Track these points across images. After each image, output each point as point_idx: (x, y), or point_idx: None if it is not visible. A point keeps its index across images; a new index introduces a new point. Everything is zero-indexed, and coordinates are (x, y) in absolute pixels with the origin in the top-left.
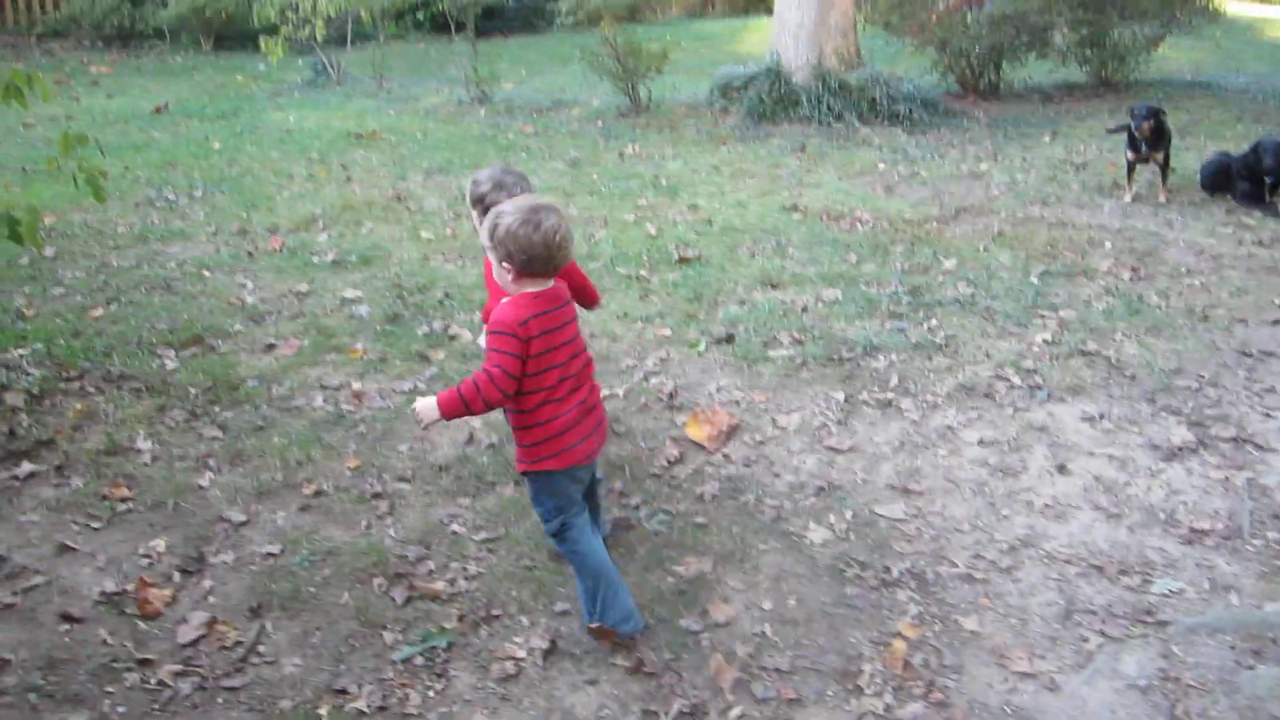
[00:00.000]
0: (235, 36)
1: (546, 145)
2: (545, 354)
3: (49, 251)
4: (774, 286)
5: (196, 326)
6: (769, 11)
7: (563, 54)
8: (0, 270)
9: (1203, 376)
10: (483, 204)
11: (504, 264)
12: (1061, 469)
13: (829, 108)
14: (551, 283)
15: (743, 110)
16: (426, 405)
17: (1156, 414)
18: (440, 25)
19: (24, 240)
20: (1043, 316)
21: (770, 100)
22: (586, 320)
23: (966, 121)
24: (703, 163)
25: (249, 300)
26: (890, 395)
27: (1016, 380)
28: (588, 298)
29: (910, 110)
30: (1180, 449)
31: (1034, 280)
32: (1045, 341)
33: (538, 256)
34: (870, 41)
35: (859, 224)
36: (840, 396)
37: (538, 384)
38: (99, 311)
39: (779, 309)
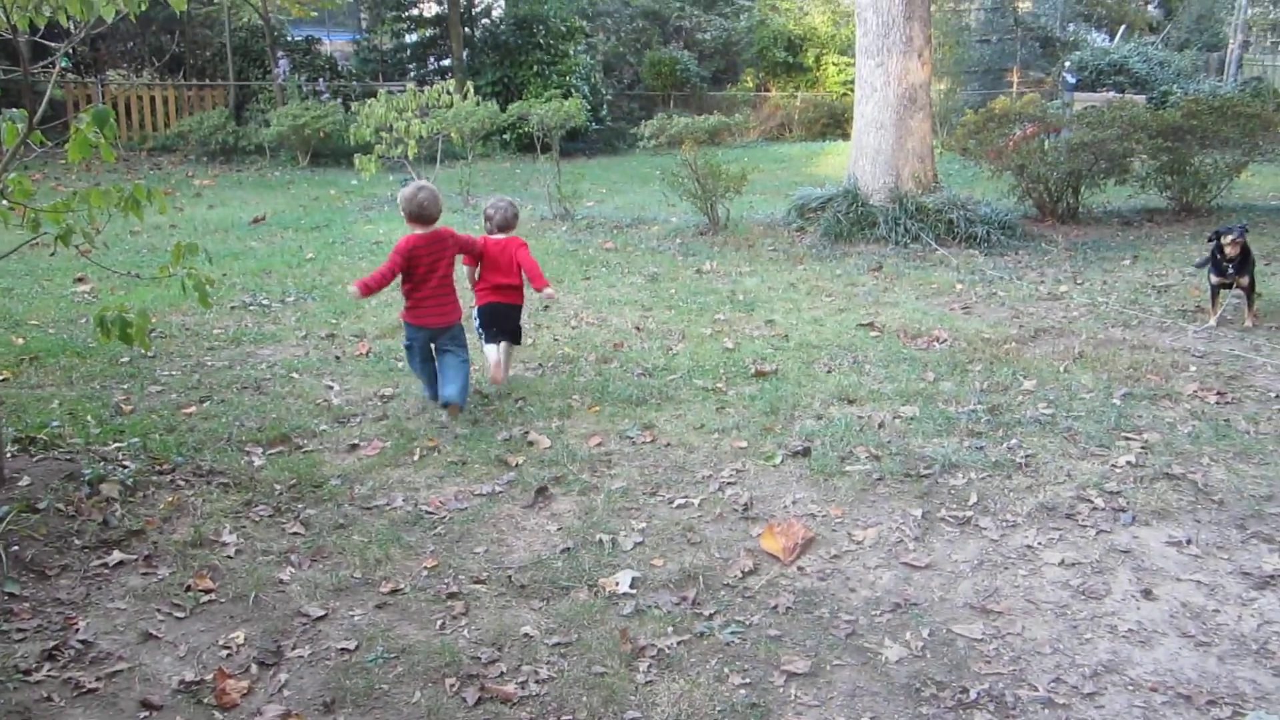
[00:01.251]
0: (331, 154)
1: (626, 260)
2: (417, 262)
3: (150, 351)
4: (850, 402)
5: (284, 426)
6: (845, 136)
7: (643, 174)
8: (103, 368)
9: None
10: (489, 220)
11: (403, 215)
12: (1147, 594)
13: (905, 229)
14: (431, 229)
15: (819, 230)
16: (353, 287)
17: (1247, 540)
18: (526, 146)
19: (134, 341)
20: (1126, 439)
21: (847, 221)
22: (665, 433)
23: (1045, 244)
24: (779, 280)
25: (335, 402)
26: (969, 513)
27: (1099, 502)
28: (535, 282)
29: (988, 232)
30: (1272, 577)
31: (1116, 402)
32: (1129, 463)
33: (412, 212)
34: (947, 166)
35: (936, 343)
36: (918, 513)
37: (410, 278)
38: (192, 409)
39: (855, 424)
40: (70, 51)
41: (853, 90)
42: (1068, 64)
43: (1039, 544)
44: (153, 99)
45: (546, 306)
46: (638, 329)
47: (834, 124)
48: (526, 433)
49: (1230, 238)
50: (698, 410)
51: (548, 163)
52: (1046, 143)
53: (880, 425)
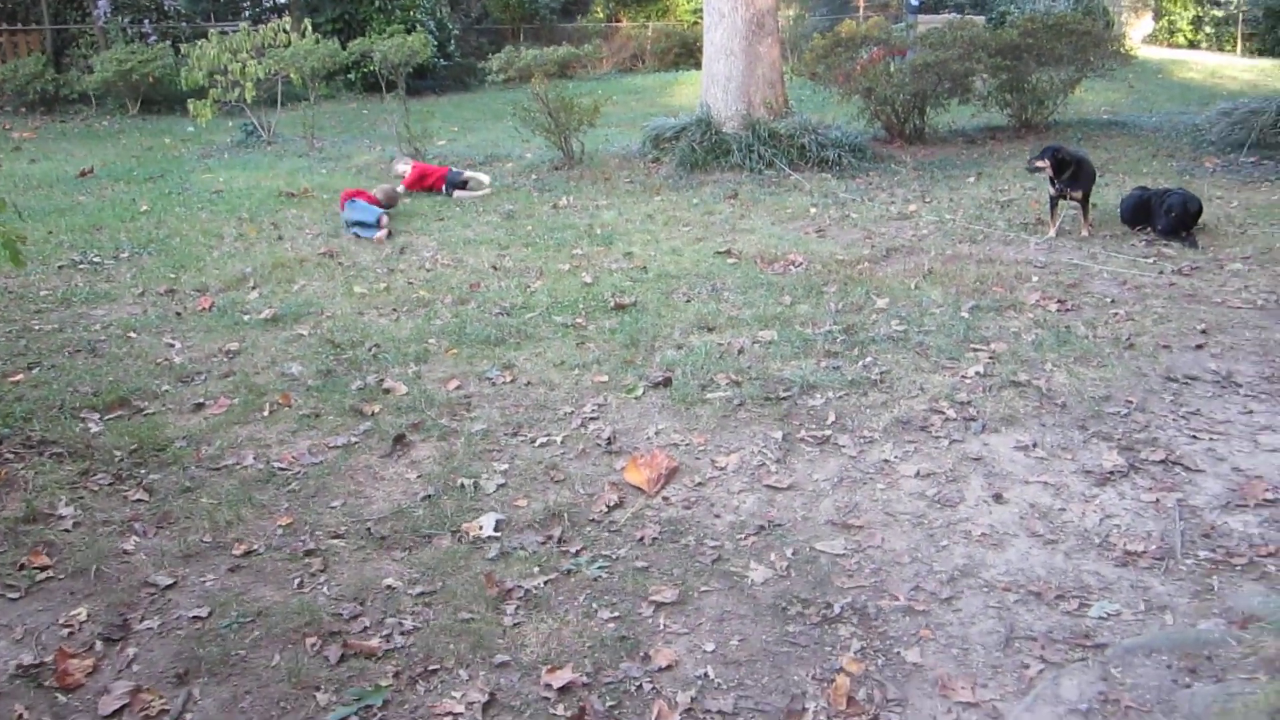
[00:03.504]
0: (163, 100)
1: (481, 199)
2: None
3: None
4: (710, 330)
5: (122, 389)
6: (698, 66)
7: (495, 110)
8: None
9: (1131, 402)
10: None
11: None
12: (998, 498)
13: (759, 156)
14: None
15: (674, 160)
16: None
17: (1088, 440)
18: (372, 85)
19: None
20: (975, 350)
21: (701, 150)
22: (525, 371)
23: (894, 165)
24: (637, 212)
25: (177, 360)
26: (828, 432)
27: (951, 413)
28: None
29: (839, 156)
30: (1112, 474)
31: (965, 315)
32: (978, 374)
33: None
34: (798, 91)
35: (792, 267)
36: (778, 435)
37: None
38: (19, 376)
39: (715, 352)
40: None
41: (700, 20)
42: None
43: (895, 458)
44: None
45: (401, 250)
46: (495, 268)
47: (686, 54)
48: (381, 380)
49: (1036, 162)
50: (558, 347)
51: (395, 102)
52: (892, 65)
53: (740, 351)
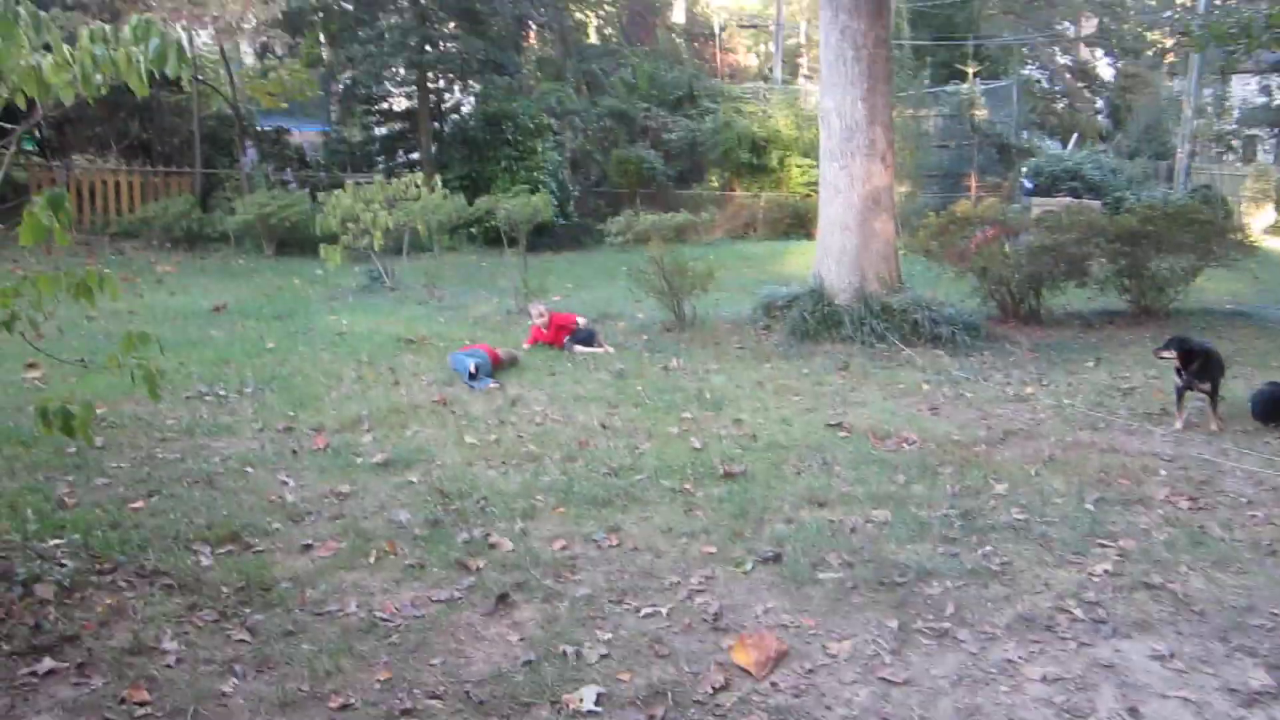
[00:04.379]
0: (296, 243)
1: (592, 357)
2: None
3: (98, 441)
4: (821, 505)
5: (234, 523)
6: (809, 236)
7: (610, 270)
8: (48, 458)
9: (1276, 615)
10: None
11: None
12: (1133, 712)
13: (871, 329)
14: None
15: (786, 329)
16: None
17: (1231, 654)
18: (493, 240)
19: (76, 434)
20: (1102, 545)
21: (813, 320)
22: (631, 535)
23: (1009, 345)
24: (747, 378)
25: (289, 499)
26: (946, 624)
27: (1079, 612)
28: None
29: (952, 333)
30: (1260, 694)
31: (1089, 507)
32: (1106, 572)
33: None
34: (910, 267)
35: (905, 444)
36: (894, 624)
37: None
38: (139, 504)
39: (827, 529)
40: (35, 134)
41: (816, 191)
42: (1024, 169)
43: (1019, 658)
44: (117, 184)
45: (512, 403)
46: (604, 427)
47: (798, 223)
48: (488, 534)
49: (1163, 351)
50: (665, 513)
51: (514, 257)
52: (1007, 246)
53: (852, 530)
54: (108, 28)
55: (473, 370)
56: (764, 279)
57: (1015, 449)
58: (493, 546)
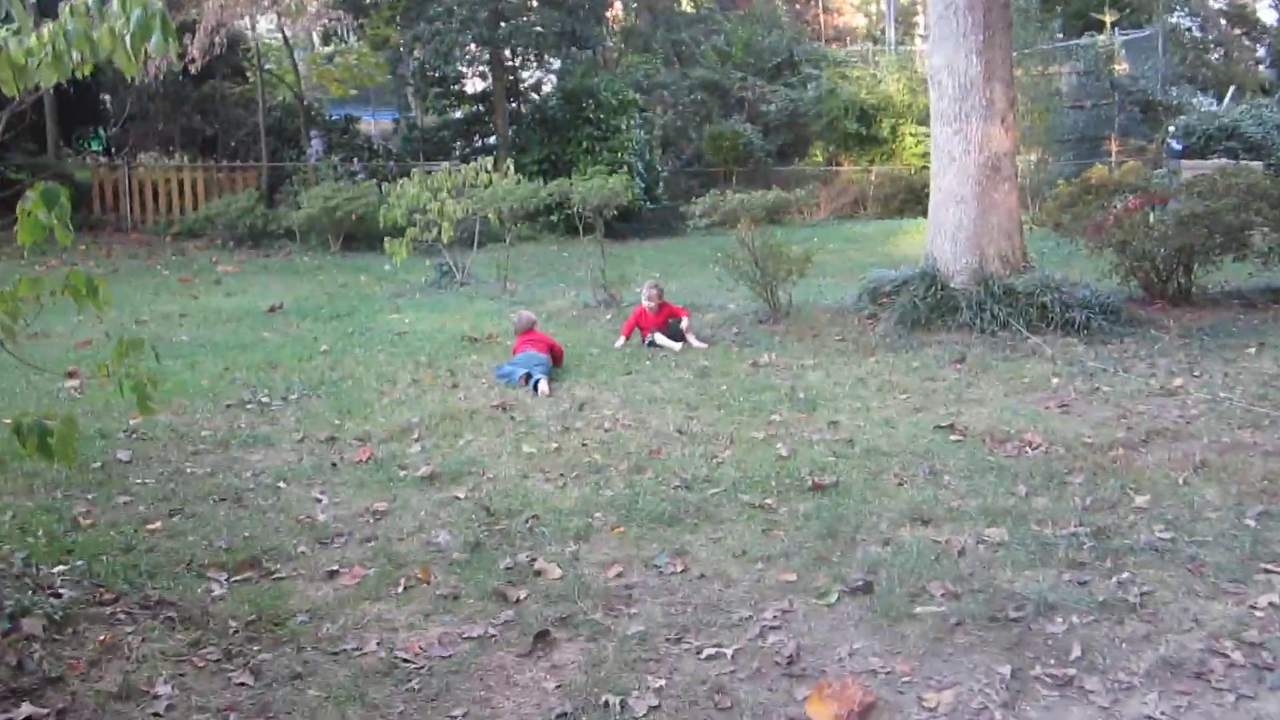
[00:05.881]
0: (364, 238)
1: (673, 353)
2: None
3: (124, 454)
4: (925, 523)
5: (256, 546)
6: (925, 213)
7: (699, 257)
8: (70, 475)
9: None
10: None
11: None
12: None
13: (992, 315)
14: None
15: (894, 317)
16: None
17: None
18: (574, 227)
19: (55, 457)
20: (1267, 572)
21: (925, 306)
22: (699, 560)
23: (1153, 331)
24: (847, 375)
25: (320, 518)
26: (1071, 671)
27: (1237, 656)
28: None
29: (1087, 318)
30: None
31: (1250, 523)
32: (1272, 605)
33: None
34: (1038, 244)
35: (1028, 449)
36: (1006, 670)
37: None
38: (158, 524)
39: (930, 552)
40: (101, 134)
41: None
42: (1172, 129)
43: (1162, 714)
44: (180, 181)
45: (580, 406)
46: (680, 432)
47: (913, 200)
48: (534, 559)
49: None
50: (741, 532)
51: (593, 245)
52: (1151, 215)
53: (960, 553)
54: (92, 1)
55: (522, 381)
56: (873, 262)
57: (1160, 453)
58: (538, 573)
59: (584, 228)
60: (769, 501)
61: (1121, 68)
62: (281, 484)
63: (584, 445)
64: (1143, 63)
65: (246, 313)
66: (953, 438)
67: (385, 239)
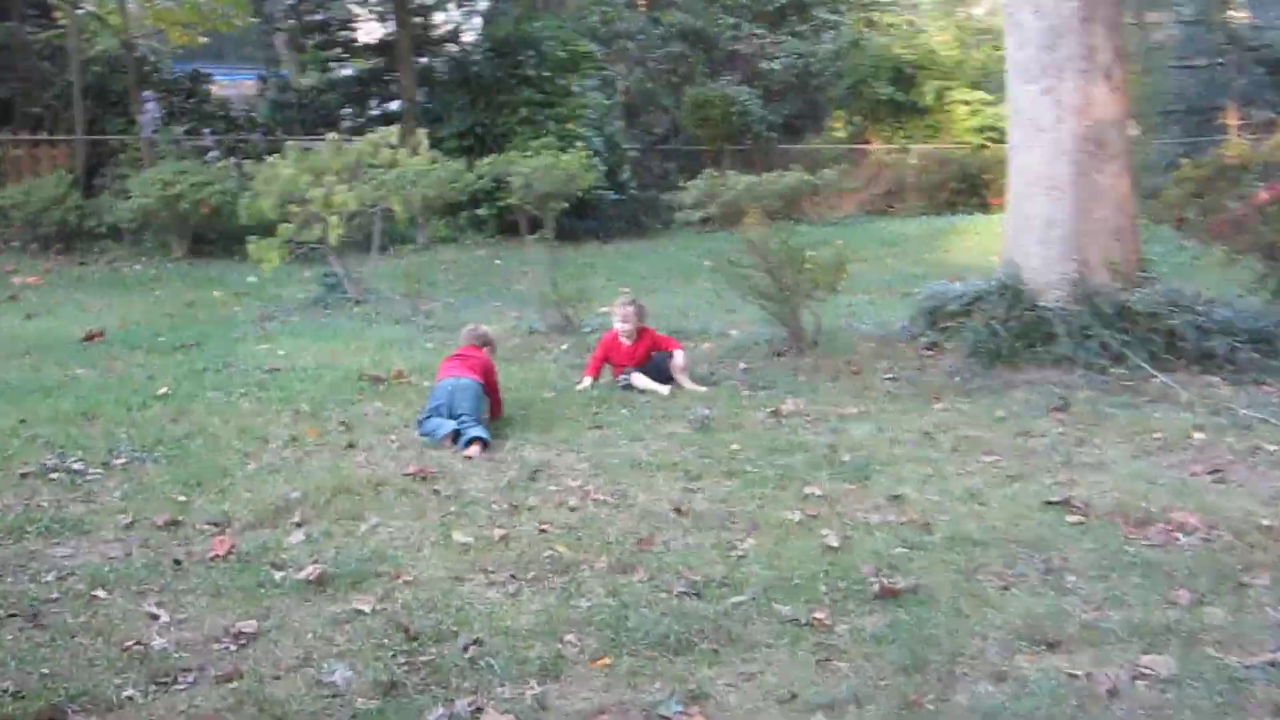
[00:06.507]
0: (219, 238)
1: (659, 398)
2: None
3: None
4: (1050, 646)
5: (60, 690)
6: (983, 207)
7: (686, 265)
8: None
9: None
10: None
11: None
12: None
13: (1102, 345)
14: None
15: (964, 348)
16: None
17: None
18: (511, 226)
19: None
20: None
21: (1007, 333)
22: (724, 710)
23: None
24: (906, 428)
25: (157, 644)
26: None
27: None
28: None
29: (1231, 349)
30: None
31: None
32: None
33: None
34: (1154, 246)
35: (1180, 534)
36: None
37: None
38: None
39: (1066, 691)
40: None
41: (991, 140)
42: None
43: None
44: None
45: (533, 475)
46: (679, 511)
47: (968, 189)
48: (479, 710)
49: None
50: (783, 663)
51: (540, 249)
52: None
53: (1111, 694)
54: None
55: (447, 441)
56: (919, 273)
57: None
58: None
59: (527, 225)
60: (819, 616)
61: (1241, 15)
62: (100, 591)
63: (542, 532)
64: (1271, 8)
65: (53, 342)
66: (1070, 519)
67: (249, 240)
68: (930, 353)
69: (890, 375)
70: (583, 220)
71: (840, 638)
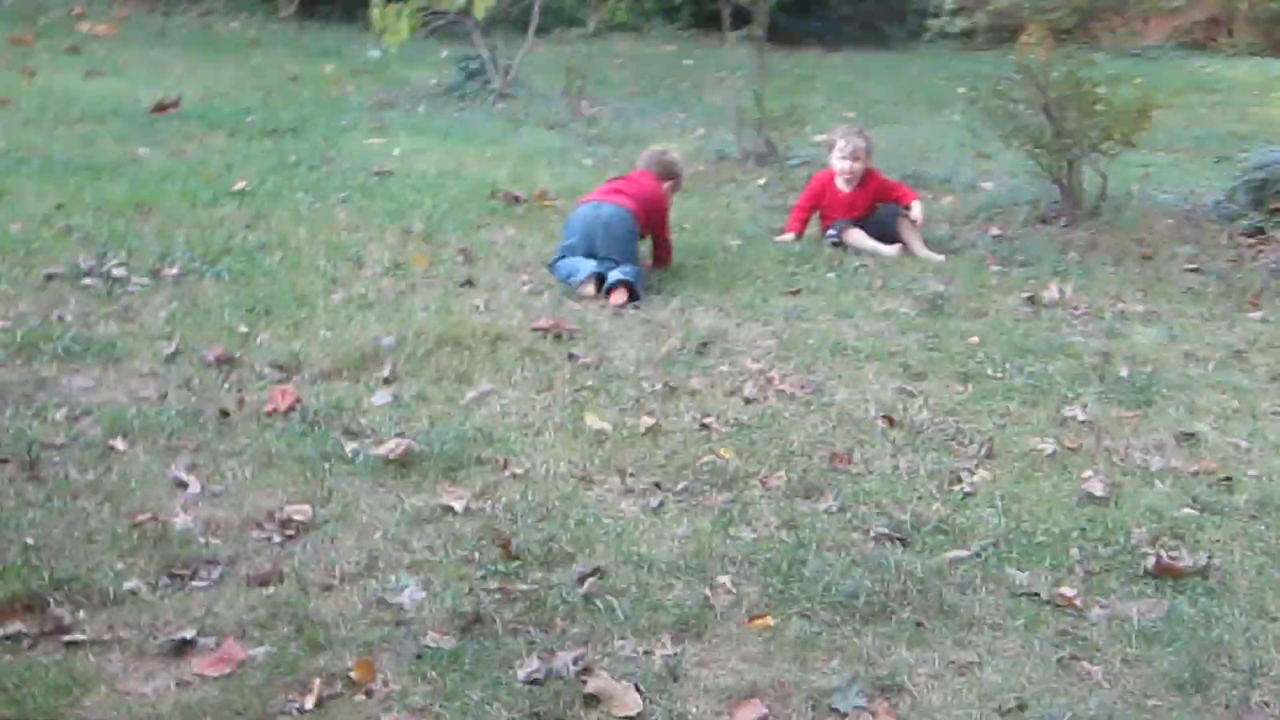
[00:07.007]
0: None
1: (879, 262)
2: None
3: None
4: None
5: (44, 570)
6: None
7: (934, 90)
8: None
9: None
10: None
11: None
12: None
13: None
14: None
15: None
16: None
17: None
18: (710, 16)
19: None
20: None
21: None
22: (924, 709)
23: None
24: (1209, 340)
25: (179, 524)
26: None
27: None
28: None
29: None
30: None
31: None
32: None
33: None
34: None
35: None
36: None
37: None
38: None
39: None
40: None
41: None
42: None
43: None
44: None
45: (701, 348)
46: (889, 420)
47: None
48: (586, 671)
49: None
50: (1011, 656)
51: (745, 49)
52: None
53: None
54: None
55: (589, 284)
56: (1243, 131)
57: None
58: (596, 702)
59: (732, 18)
60: (1066, 592)
61: None
62: (118, 442)
63: (703, 428)
64: None
65: (115, 110)
66: None
67: (374, 2)
68: (1252, 241)
69: (1193, 266)
70: (805, 18)
71: (1094, 628)
